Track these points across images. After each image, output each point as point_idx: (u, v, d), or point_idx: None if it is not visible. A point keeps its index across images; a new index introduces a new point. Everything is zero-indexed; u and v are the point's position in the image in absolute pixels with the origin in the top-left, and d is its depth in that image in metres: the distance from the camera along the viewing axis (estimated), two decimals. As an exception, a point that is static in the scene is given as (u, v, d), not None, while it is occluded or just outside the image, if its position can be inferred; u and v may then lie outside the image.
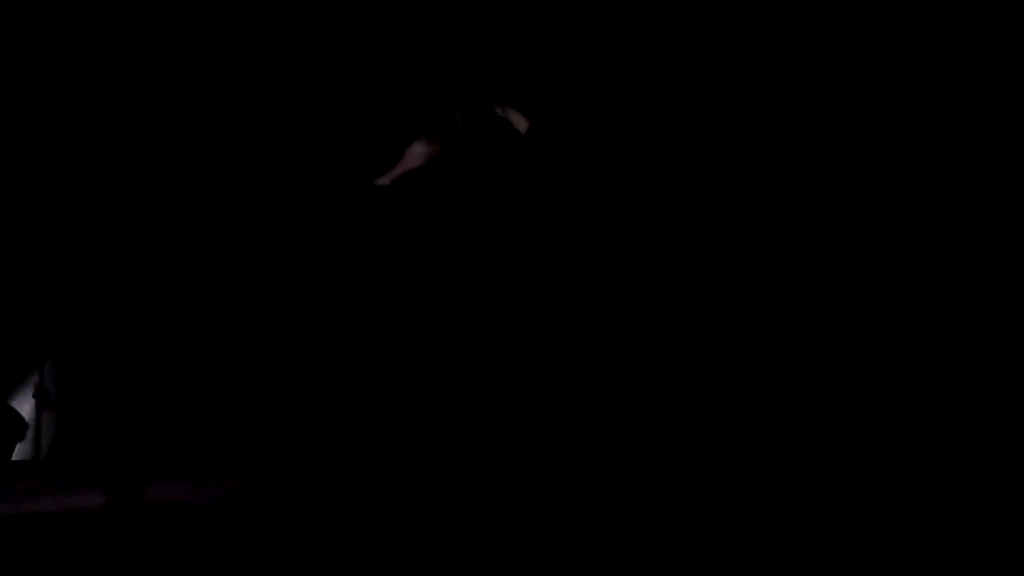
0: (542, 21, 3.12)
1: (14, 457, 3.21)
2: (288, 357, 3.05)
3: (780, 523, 2.56)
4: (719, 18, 2.98)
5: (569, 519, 2.62)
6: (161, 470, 2.90)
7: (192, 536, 2.55)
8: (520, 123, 3.08)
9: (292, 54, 3.26)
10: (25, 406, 3.35)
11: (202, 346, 3.14)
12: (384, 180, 3.33)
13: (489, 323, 2.98)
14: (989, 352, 2.76)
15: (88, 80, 3.24)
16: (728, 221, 2.90)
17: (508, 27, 3.16)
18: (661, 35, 3.00)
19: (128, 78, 3.27)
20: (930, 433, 2.66)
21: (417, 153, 3.27)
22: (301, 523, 2.59)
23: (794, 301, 2.85)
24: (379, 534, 2.55)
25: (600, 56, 3.05)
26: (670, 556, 2.51)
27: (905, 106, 2.92)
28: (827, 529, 2.53)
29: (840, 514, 2.56)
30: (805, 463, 2.68)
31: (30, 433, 3.20)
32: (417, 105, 3.27)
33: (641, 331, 2.86)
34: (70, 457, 3.10)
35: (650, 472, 2.67)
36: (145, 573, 2.43)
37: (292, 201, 3.34)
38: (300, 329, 3.09)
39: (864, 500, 2.59)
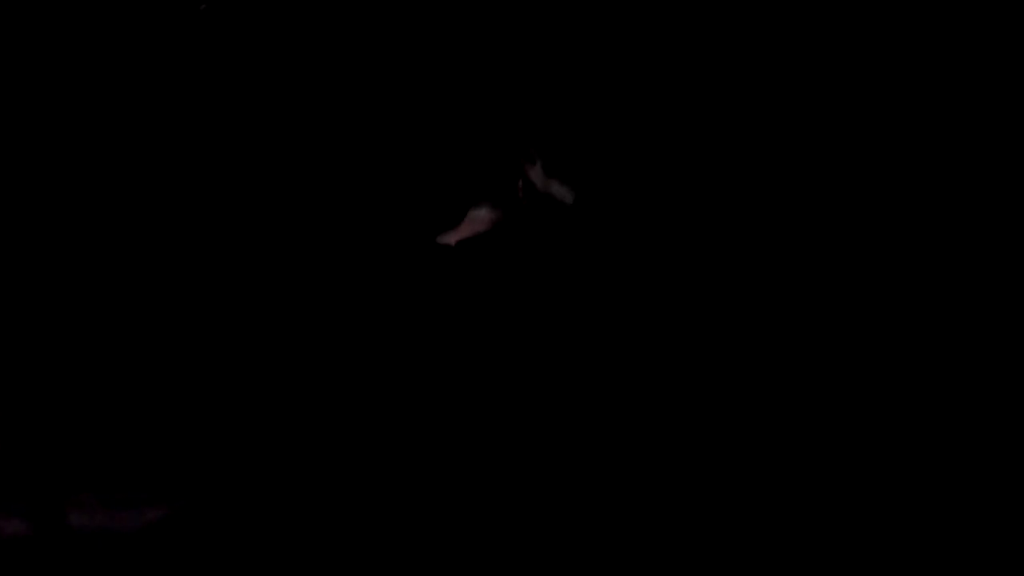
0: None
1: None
2: (229, 377, 2.85)
3: (780, 523, 2.55)
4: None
5: (563, 520, 2.57)
6: (88, 495, 2.73)
7: (119, 567, 2.51)
8: (565, 196, 3.07)
9: (367, 102, 3.15)
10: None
11: (137, 361, 2.90)
12: (448, 239, 3.31)
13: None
14: (989, 352, 2.76)
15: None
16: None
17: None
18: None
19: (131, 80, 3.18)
20: (929, 433, 2.66)
21: (482, 218, 3.25)
22: (237, 552, 2.54)
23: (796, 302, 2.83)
24: (321, 561, 2.53)
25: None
26: (670, 556, 2.50)
27: (906, 107, 2.92)
28: (827, 529, 2.53)
29: (840, 514, 2.56)
30: (804, 463, 2.67)
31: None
32: (482, 168, 3.24)
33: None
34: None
35: (650, 472, 2.66)
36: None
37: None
38: (247, 347, 2.89)
39: (864, 500, 2.59)
